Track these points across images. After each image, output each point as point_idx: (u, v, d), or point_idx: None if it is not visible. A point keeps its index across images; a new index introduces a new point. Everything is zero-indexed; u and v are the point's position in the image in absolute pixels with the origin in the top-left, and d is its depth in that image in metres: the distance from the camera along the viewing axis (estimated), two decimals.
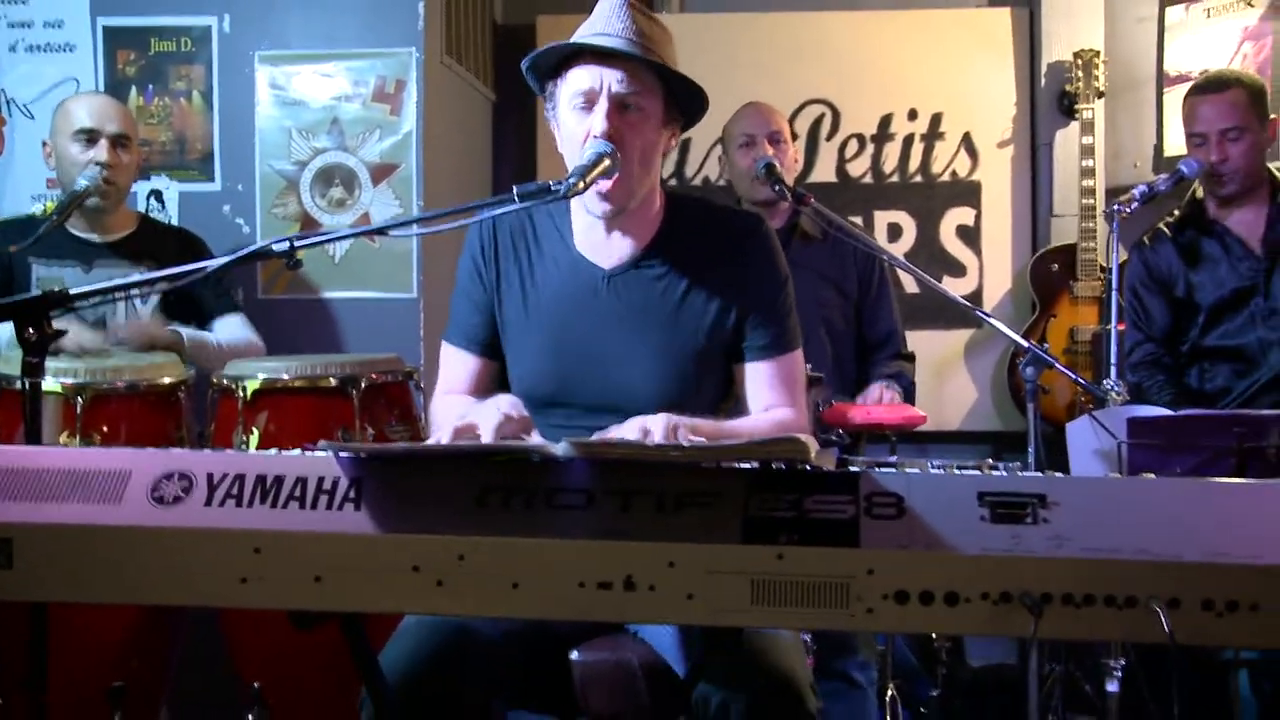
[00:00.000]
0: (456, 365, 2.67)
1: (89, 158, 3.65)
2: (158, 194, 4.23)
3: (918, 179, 5.39)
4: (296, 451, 1.89)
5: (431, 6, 4.31)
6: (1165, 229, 3.90)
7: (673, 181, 5.28)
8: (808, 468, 1.80)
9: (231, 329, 3.80)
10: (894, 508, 1.72)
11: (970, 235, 5.38)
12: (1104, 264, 4.75)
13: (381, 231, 2.54)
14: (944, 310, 5.10)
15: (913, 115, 5.39)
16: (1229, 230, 3.78)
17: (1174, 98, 4.97)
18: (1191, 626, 1.63)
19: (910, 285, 5.07)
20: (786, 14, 5.43)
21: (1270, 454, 2.74)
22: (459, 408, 2.48)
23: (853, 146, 5.41)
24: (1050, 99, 5.26)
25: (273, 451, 1.93)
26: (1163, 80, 5.18)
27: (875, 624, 1.70)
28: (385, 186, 4.24)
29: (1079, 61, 5.06)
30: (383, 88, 4.24)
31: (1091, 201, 4.93)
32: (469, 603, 1.76)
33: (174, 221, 4.25)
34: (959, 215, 5.38)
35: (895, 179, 5.40)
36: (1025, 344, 3.05)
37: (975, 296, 5.29)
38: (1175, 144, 5.00)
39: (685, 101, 2.54)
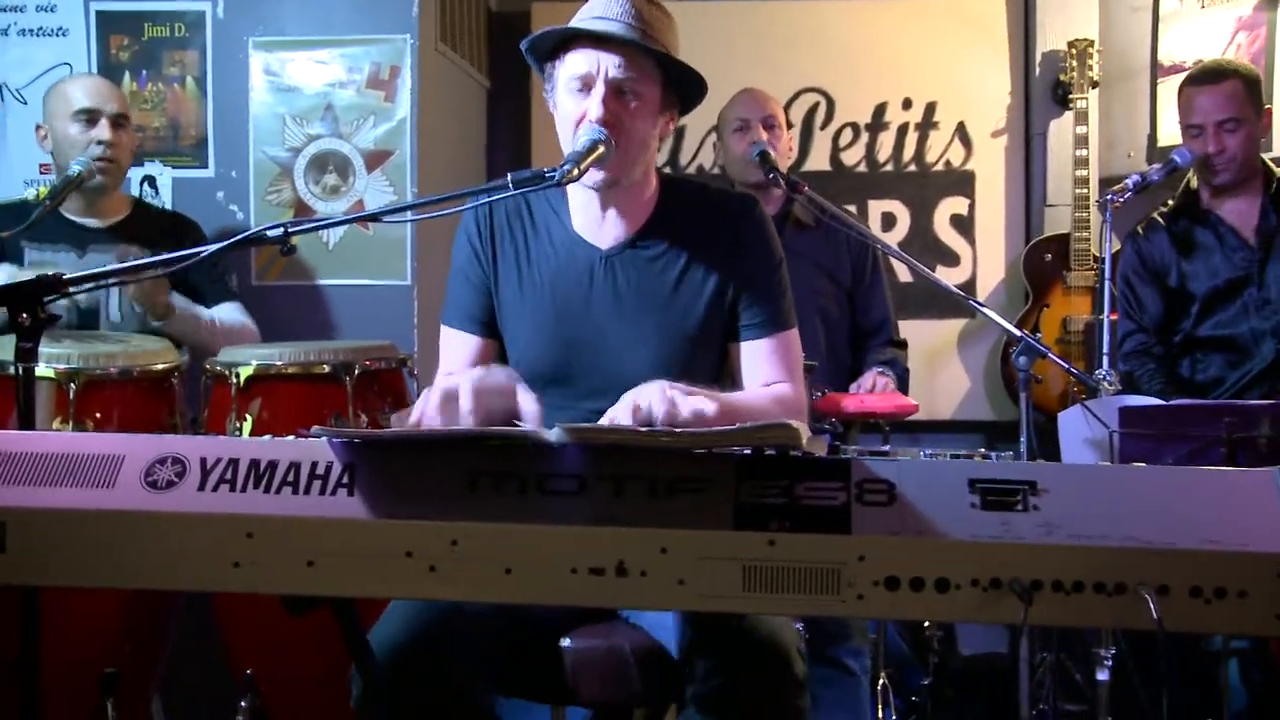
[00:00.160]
0: (458, 347, 2.66)
1: (91, 137, 3.67)
2: (151, 180, 4.23)
3: (912, 168, 5.40)
4: (290, 437, 1.90)
5: None
6: (1159, 218, 3.90)
7: (667, 169, 5.28)
8: (799, 454, 1.80)
9: (227, 314, 3.80)
10: (885, 494, 1.73)
11: (964, 224, 5.38)
12: (1097, 254, 4.75)
13: (375, 218, 2.54)
14: (937, 299, 5.10)
15: (907, 104, 5.39)
16: (1223, 220, 3.79)
17: (1168, 88, 4.97)
18: (1180, 613, 1.64)
19: (904, 274, 5.08)
20: (782, 2, 5.43)
21: (1260, 444, 2.75)
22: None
23: (847, 135, 5.41)
24: (1044, 88, 5.27)
25: (266, 437, 1.94)
26: (1157, 70, 5.18)
27: (866, 610, 1.71)
28: (379, 173, 4.24)
29: (1073, 51, 5.06)
30: (377, 74, 4.23)
31: (1085, 191, 4.93)
32: (461, 588, 1.77)
33: (168, 207, 4.25)
34: (953, 204, 5.38)
35: (889, 168, 5.40)
36: (1018, 333, 3.06)
37: (969, 286, 5.30)
38: (1169, 134, 5.00)
39: (683, 87, 2.55)
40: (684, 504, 1.74)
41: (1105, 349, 3.53)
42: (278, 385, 3.28)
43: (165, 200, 4.27)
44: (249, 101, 4.26)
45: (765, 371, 2.58)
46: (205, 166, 4.30)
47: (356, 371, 3.28)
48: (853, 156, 5.41)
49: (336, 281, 4.26)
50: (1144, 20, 5.21)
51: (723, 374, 2.63)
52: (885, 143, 5.40)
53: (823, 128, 5.41)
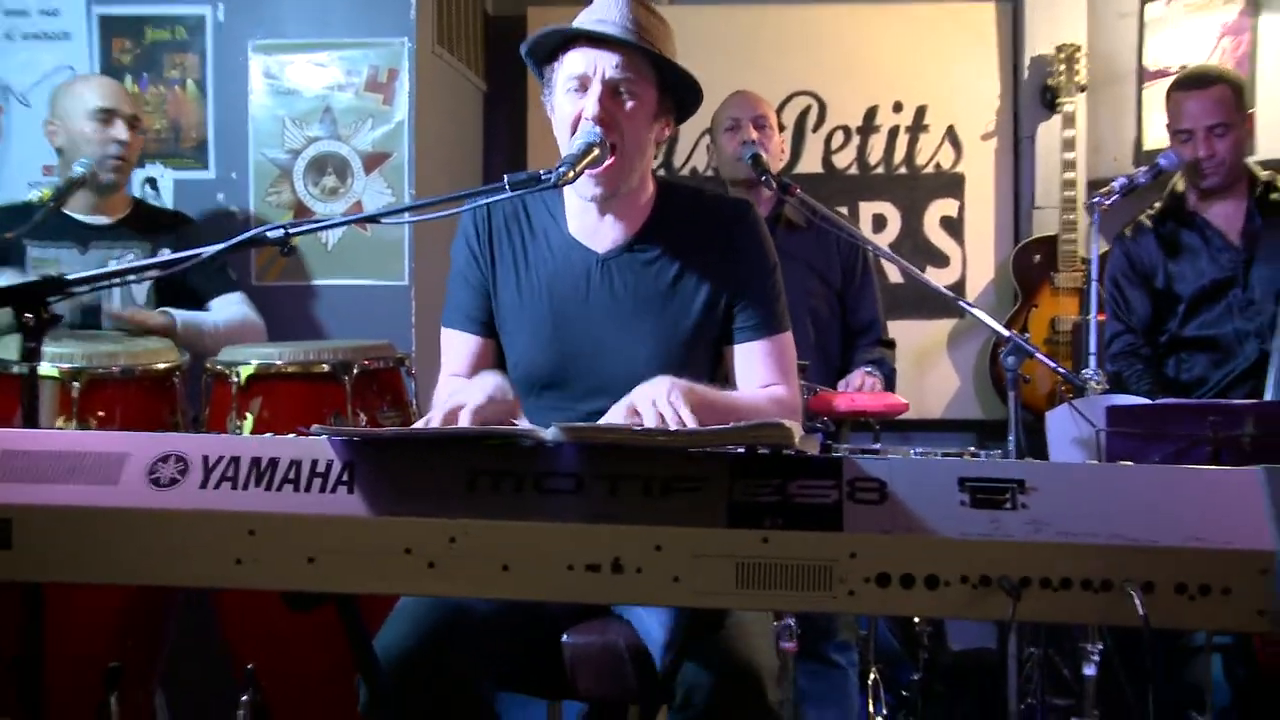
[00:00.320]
0: (459, 347, 2.67)
1: (109, 136, 3.70)
2: (152, 181, 4.23)
3: (902, 170, 5.41)
4: (291, 435, 1.90)
5: None
6: (1146, 221, 3.91)
7: (660, 172, 5.29)
8: (792, 453, 1.81)
9: (229, 307, 3.81)
10: (876, 493, 1.74)
11: (954, 226, 5.40)
12: (1084, 255, 4.77)
13: (374, 219, 2.54)
14: (927, 300, 5.11)
15: (898, 108, 5.40)
16: (1209, 223, 3.80)
17: (1153, 92, 4.98)
18: (1165, 610, 1.65)
19: (894, 275, 5.08)
20: (774, 6, 5.43)
21: (1244, 443, 2.76)
22: (454, 387, 2.49)
23: (838, 138, 5.42)
24: (1033, 92, 5.28)
25: (267, 435, 1.94)
26: (1143, 75, 5.19)
27: (858, 606, 1.72)
28: (377, 175, 4.24)
29: (1061, 56, 5.08)
30: (375, 77, 4.23)
31: (1073, 194, 4.94)
32: (460, 584, 1.77)
33: (168, 208, 4.25)
34: (943, 206, 5.40)
35: (880, 170, 5.41)
36: (1007, 334, 3.06)
37: (958, 287, 5.31)
38: (1154, 137, 5.02)
39: (680, 94, 2.55)
40: (679, 502, 1.75)
41: (1092, 349, 3.54)
42: (278, 384, 3.28)
43: (167, 201, 4.26)
44: (249, 104, 4.26)
45: (760, 374, 2.58)
46: (206, 168, 4.29)
47: (355, 370, 3.28)
48: (844, 159, 5.42)
49: (335, 281, 4.26)
50: (1130, 26, 5.23)
51: (717, 376, 2.63)
52: (876, 145, 5.41)
53: (814, 130, 5.42)
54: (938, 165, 5.39)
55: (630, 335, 2.53)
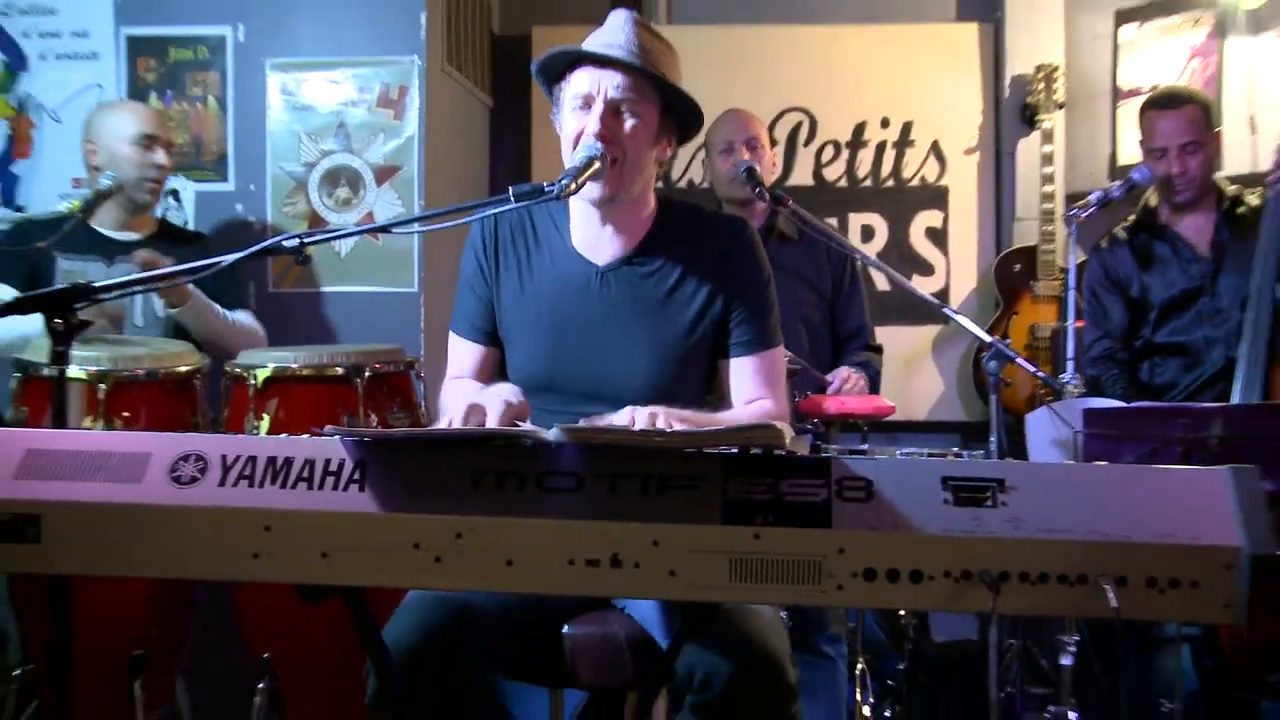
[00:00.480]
0: (463, 354, 2.68)
1: (149, 160, 3.75)
2: (175, 193, 4.23)
3: (890, 183, 5.40)
4: (305, 436, 1.91)
5: (433, 17, 4.32)
6: (1121, 233, 3.91)
7: (659, 185, 5.28)
8: (783, 454, 1.81)
9: (241, 317, 3.82)
10: (863, 491, 1.74)
11: (938, 237, 5.39)
12: (1062, 265, 4.76)
13: (385, 229, 2.54)
14: (913, 307, 5.10)
15: (885, 123, 5.40)
16: (1179, 235, 3.80)
17: (1127, 110, 4.99)
18: (1137, 602, 1.65)
19: (882, 283, 5.08)
20: (767, 27, 5.44)
21: (1212, 444, 2.76)
22: (465, 390, 2.50)
23: (829, 152, 5.42)
24: (1013, 110, 5.28)
25: (283, 435, 1.95)
26: (1117, 94, 5.20)
27: (846, 599, 1.73)
28: (388, 187, 4.24)
29: (1040, 75, 5.08)
30: (386, 94, 4.24)
31: (1051, 206, 4.95)
32: (465, 578, 1.78)
33: (189, 218, 4.26)
34: (928, 218, 5.39)
35: (868, 183, 5.41)
36: (989, 339, 3.07)
37: (943, 294, 5.30)
38: (1128, 153, 5.02)
39: (682, 115, 2.56)
40: (675, 500, 1.75)
41: (1070, 354, 3.54)
42: (293, 386, 3.27)
43: (188, 212, 4.27)
44: (266, 119, 4.27)
45: (750, 388, 2.58)
46: (226, 180, 4.30)
47: (367, 373, 3.27)
48: (834, 172, 5.42)
49: (348, 289, 4.26)
50: (1105, 47, 5.23)
51: (712, 387, 2.63)
52: (864, 159, 5.41)
53: (806, 145, 5.42)
54: (923, 178, 5.39)
55: (626, 344, 2.53)
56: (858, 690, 3.74)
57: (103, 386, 3.09)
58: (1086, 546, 1.67)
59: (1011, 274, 5.07)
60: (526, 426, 2.12)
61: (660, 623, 2.27)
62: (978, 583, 1.67)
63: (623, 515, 1.74)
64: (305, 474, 1.81)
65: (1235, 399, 3.43)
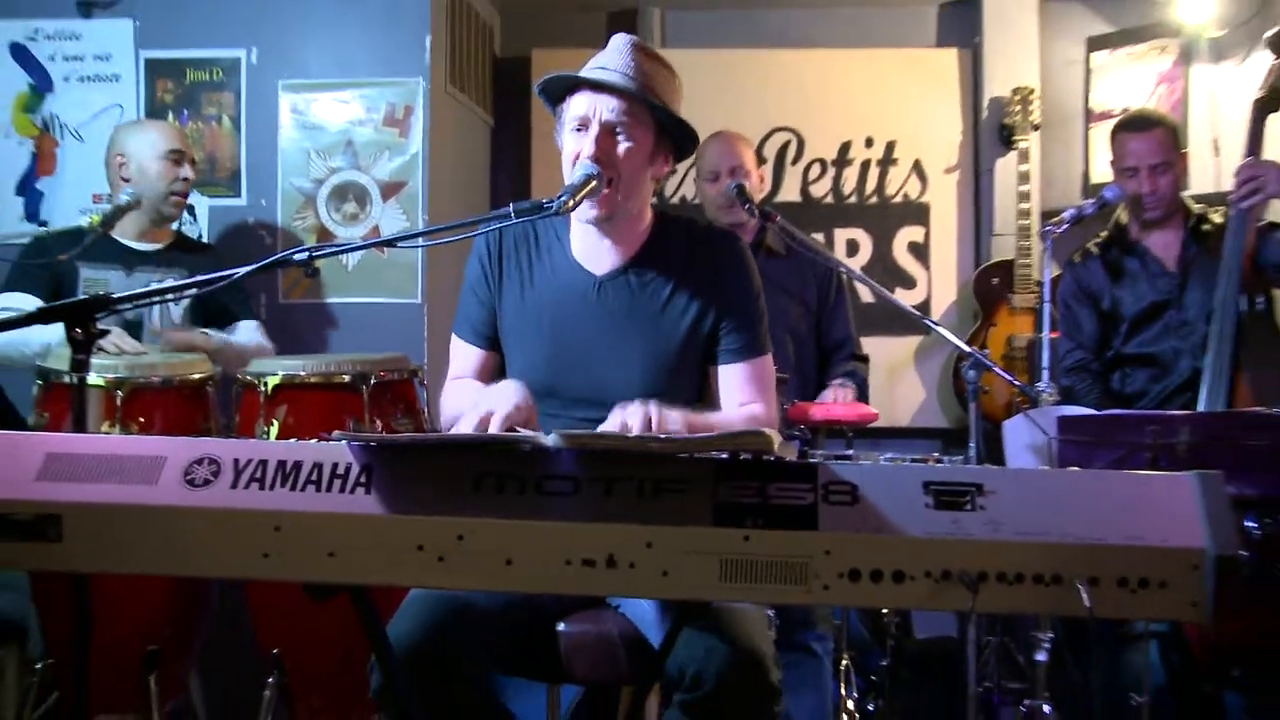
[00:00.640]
0: (465, 356, 2.69)
1: (177, 174, 3.76)
2: (191, 208, 4.23)
3: (873, 200, 5.41)
4: (313, 440, 1.91)
5: (437, 40, 4.32)
6: (1094, 248, 3.92)
7: (654, 199, 5.28)
8: (772, 459, 1.81)
9: (248, 332, 3.82)
10: (848, 495, 1.74)
11: (920, 251, 5.40)
12: (1038, 278, 4.78)
13: (390, 243, 2.54)
14: (896, 318, 5.11)
15: (869, 143, 5.41)
16: (1149, 250, 3.81)
17: (1099, 131, 5.00)
18: (1109, 601, 1.65)
19: (866, 295, 5.08)
20: (757, 50, 5.45)
21: (1179, 450, 2.77)
22: (470, 392, 2.51)
23: (815, 170, 5.43)
24: (991, 130, 5.29)
25: (292, 440, 1.94)
26: (1089, 116, 5.22)
27: (831, 599, 1.73)
28: (394, 202, 4.25)
29: (1017, 97, 5.10)
30: (392, 113, 4.24)
31: (1027, 222, 4.96)
32: (467, 578, 1.78)
33: (203, 232, 4.26)
34: (910, 233, 5.40)
35: (853, 200, 5.42)
36: (968, 350, 3.07)
37: (924, 306, 5.32)
38: (1100, 172, 5.04)
39: (677, 136, 2.57)
40: (668, 503, 1.75)
41: (1045, 364, 3.54)
42: (302, 393, 3.27)
43: (202, 226, 4.28)
44: (278, 138, 4.27)
45: (740, 394, 2.58)
46: (239, 196, 4.31)
47: (372, 381, 3.27)
48: (820, 189, 5.43)
49: (354, 300, 4.26)
50: (1078, 72, 5.25)
51: (704, 394, 2.63)
52: (850, 177, 5.42)
53: (793, 163, 5.43)
54: (905, 195, 5.40)
55: (622, 350, 2.53)
56: (843, 685, 3.74)
57: (120, 393, 3.09)
58: (1061, 548, 1.67)
59: (990, 287, 5.08)
60: (526, 433, 2.13)
61: (653, 621, 2.27)
62: (957, 583, 1.67)
63: (618, 517, 1.74)
64: (313, 477, 1.81)
65: (1201, 407, 3.43)
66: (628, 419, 2.21)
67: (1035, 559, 1.67)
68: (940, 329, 3.14)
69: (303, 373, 3.28)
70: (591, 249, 2.59)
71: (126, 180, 3.74)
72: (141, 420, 3.14)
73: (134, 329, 3.63)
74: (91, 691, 2.13)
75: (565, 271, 2.60)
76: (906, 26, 5.53)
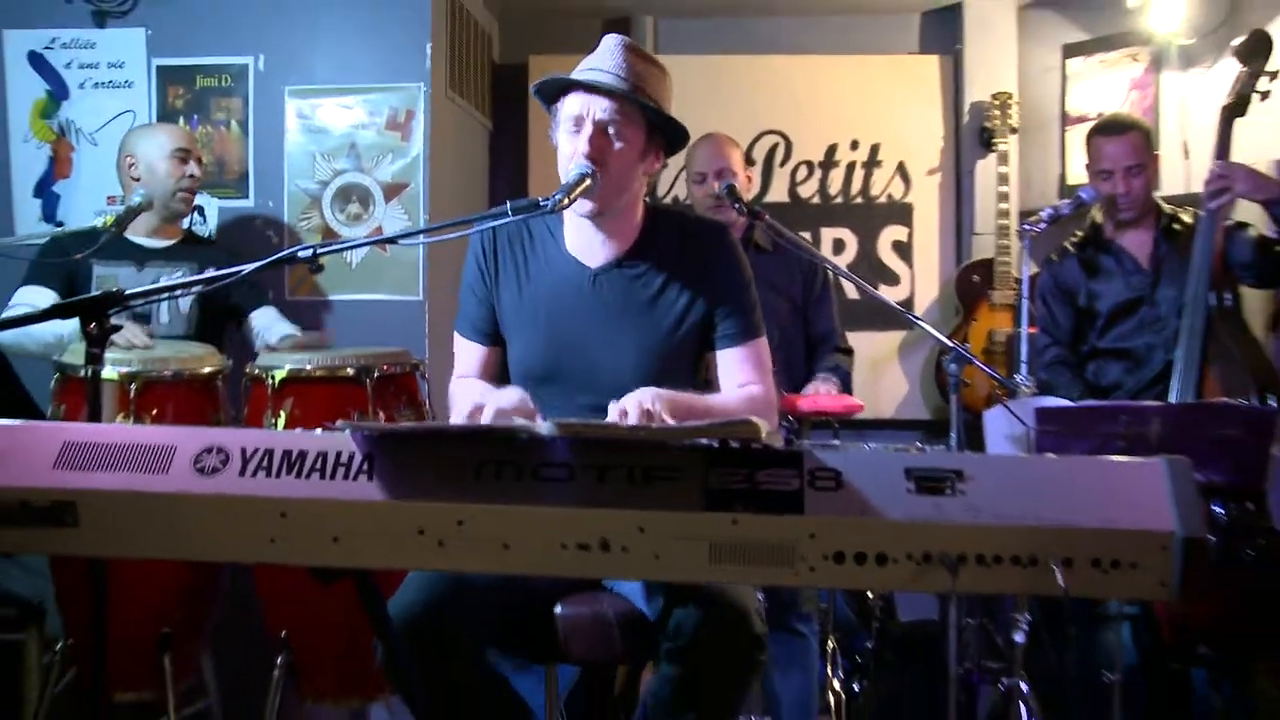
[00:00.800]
0: (468, 353, 2.69)
1: (184, 171, 3.77)
2: (200, 209, 4.22)
3: (859, 200, 5.42)
4: (318, 430, 1.91)
5: (437, 47, 4.32)
6: (1070, 247, 3.92)
7: (647, 197, 5.27)
8: (760, 446, 1.82)
9: (268, 318, 3.82)
10: (833, 481, 1.75)
11: (903, 249, 5.41)
12: (1017, 275, 4.77)
13: (392, 241, 2.56)
14: (881, 314, 5.11)
15: (855, 145, 5.42)
16: (1123, 249, 3.81)
17: (1075, 135, 5.02)
18: (1083, 582, 1.66)
19: (852, 292, 5.08)
20: (747, 57, 5.45)
21: (1151, 439, 2.78)
22: (474, 391, 2.51)
23: (803, 171, 5.44)
24: (972, 134, 5.30)
25: (297, 430, 1.94)
26: (1065, 120, 5.22)
27: (816, 580, 1.73)
28: (396, 203, 4.24)
29: (996, 102, 5.11)
30: (395, 117, 4.24)
31: (1006, 222, 4.97)
32: (466, 561, 1.78)
33: (213, 232, 4.26)
34: (894, 232, 5.41)
35: (839, 200, 5.43)
36: (950, 344, 3.07)
37: (908, 303, 5.33)
38: (1076, 174, 5.05)
39: (668, 134, 2.57)
40: (660, 489, 1.76)
41: (1024, 357, 3.55)
42: (307, 386, 3.27)
43: (212, 227, 4.27)
44: (284, 141, 4.27)
45: (739, 375, 2.59)
46: (246, 197, 4.30)
47: (375, 375, 3.27)
48: (808, 190, 5.43)
49: (358, 296, 4.26)
50: (1054, 78, 5.26)
51: (698, 378, 2.64)
52: (836, 178, 5.42)
53: (782, 165, 5.43)
54: (890, 196, 5.41)
55: (617, 340, 2.54)
56: (829, 666, 3.75)
57: (133, 386, 3.09)
58: (1037, 531, 1.68)
59: (971, 284, 5.08)
60: (522, 422, 2.13)
61: (644, 602, 2.27)
62: (938, 565, 1.68)
63: (611, 503, 1.75)
64: (318, 465, 1.81)
65: (1172, 399, 3.44)
66: (628, 404, 2.22)
67: (1012, 541, 1.68)
68: (923, 324, 3.14)
69: (308, 367, 3.27)
70: (586, 243, 2.60)
71: (136, 180, 3.74)
72: (154, 412, 3.14)
73: (142, 321, 3.64)
74: (109, 671, 2.13)
75: (561, 265, 2.61)
76: (891, 34, 5.54)
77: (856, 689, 3.89)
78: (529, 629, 2.36)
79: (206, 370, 3.30)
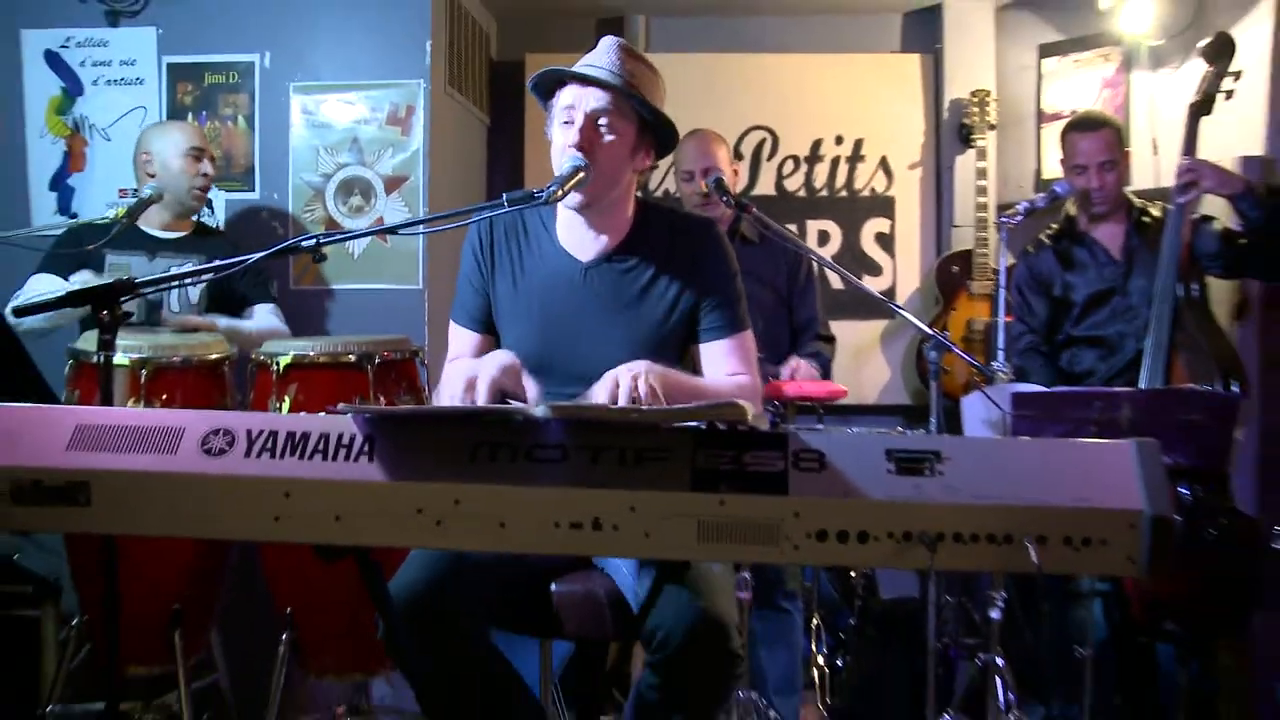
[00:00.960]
0: (462, 339, 2.68)
1: (198, 170, 3.78)
2: (208, 202, 4.22)
3: (843, 194, 5.42)
4: (321, 414, 1.91)
5: (437, 45, 4.31)
6: (1045, 239, 3.92)
7: (638, 192, 5.27)
8: (746, 429, 1.82)
9: (264, 316, 3.81)
10: (817, 462, 1.75)
11: (886, 241, 5.41)
12: (995, 266, 4.76)
13: (393, 231, 2.55)
14: (864, 303, 5.12)
15: (839, 140, 5.41)
16: (1096, 241, 3.81)
17: (1050, 131, 5.00)
18: (1056, 559, 1.67)
19: (836, 282, 5.09)
20: (735, 55, 5.44)
21: (1121, 422, 2.79)
22: (464, 366, 2.50)
23: (789, 166, 5.43)
24: (951, 130, 5.30)
25: (301, 413, 1.94)
26: (1041, 117, 5.22)
27: (800, 558, 1.74)
28: (396, 195, 4.23)
29: (974, 99, 5.10)
30: (395, 113, 4.23)
31: (985, 215, 4.97)
32: (463, 539, 1.79)
33: (220, 224, 4.25)
34: (877, 224, 5.41)
35: (824, 193, 5.42)
36: (930, 332, 3.07)
37: (890, 292, 5.32)
38: (1051, 169, 5.04)
39: (659, 133, 2.56)
40: (649, 469, 1.76)
41: (1001, 345, 3.55)
42: (311, 372, 3.27)
43: (219, 219, 4.26)
44: (289, 136, 4.26)
45: (726, 366, 2.57)
46: (252, 190, 4.29)
47: (376, 361, 3.27)
48: (794, 184, 5.43)
49: (360, 285, 4.25)
50: (1030, 76, 5.25)
51: (685, 371, 2.63)
52: (821, 172, 5.42)
53: (769, 159, 5.43)
54: (873, 190, 5.41)
55: (608, 332, 2.53)
56: (813, 642, 3.76)
57: (144, 372, 3.09)
58: (1012, 510, 1.68)
59: (950, 274, 5.08)
60: (517, 404, 2.13)
61: (635, 577, 2.28)
62: (917, 543, 1.69)
63: (603, 483, 1.75)
64: (321, 447, 1.81)
65: (1142, 385, 3.45)
66: (618, 376, 2.21)
67: (989, 520, 1.68)
68: (904, 313, 3.14)
69: (312, 353, 3.27)
70: (578, 237, 2.59)
71: (152, 176, 3.75)
72: (164, 396, 3.14)
73: (154, 311, 3.64)
74: (122, 646, 2.13)
75: (553, 259, 2.60)
76: (874, 33, 5.53)
77: (839, 664, 3.90)
78: (526, 607, 2.36)
79: (214, 356, 3.30)
